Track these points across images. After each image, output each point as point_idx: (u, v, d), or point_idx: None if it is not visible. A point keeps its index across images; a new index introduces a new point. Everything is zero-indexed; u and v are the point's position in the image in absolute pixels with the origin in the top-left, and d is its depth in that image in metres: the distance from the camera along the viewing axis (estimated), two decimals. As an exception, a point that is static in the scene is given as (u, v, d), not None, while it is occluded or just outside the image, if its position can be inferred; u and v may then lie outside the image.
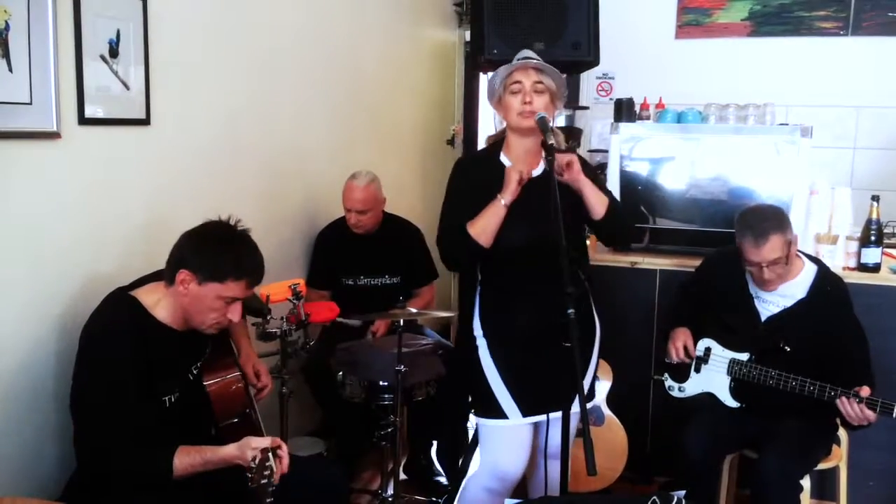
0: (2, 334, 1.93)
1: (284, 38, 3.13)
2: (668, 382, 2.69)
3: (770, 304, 2.49)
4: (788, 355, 2.42)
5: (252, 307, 2.35)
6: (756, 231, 2.36)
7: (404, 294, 3.21)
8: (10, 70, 1.86)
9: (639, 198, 3.15)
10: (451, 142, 5.07)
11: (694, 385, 2.63)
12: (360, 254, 3.30)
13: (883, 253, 2.94)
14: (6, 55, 1.85)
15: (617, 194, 3.09)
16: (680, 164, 3.15)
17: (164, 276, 1.96)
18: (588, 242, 2.41)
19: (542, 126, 2.11)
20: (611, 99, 4.42)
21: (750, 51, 4.43)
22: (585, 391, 2.31)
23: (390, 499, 2.76)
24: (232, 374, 2.18)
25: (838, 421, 2.44)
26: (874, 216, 2.87)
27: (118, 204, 2.27)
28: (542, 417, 2.25)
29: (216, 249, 1.93)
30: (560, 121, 3.79)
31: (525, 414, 2.26)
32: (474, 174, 2.33)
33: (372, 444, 2.73)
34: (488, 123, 4.55)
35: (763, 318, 2.50)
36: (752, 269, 2.42)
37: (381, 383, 2.60)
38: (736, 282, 2.52)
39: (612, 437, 2.93)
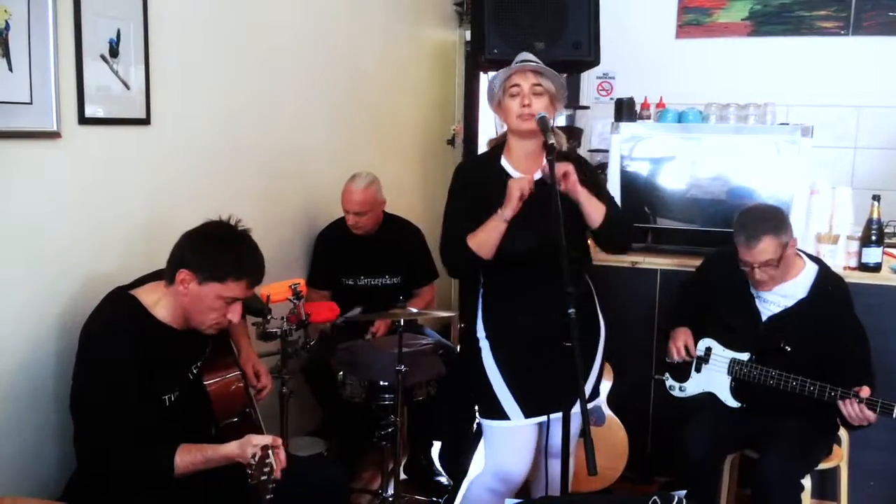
0: (2, 334, 1.93)
1: (284, 38, 3.13)
2: (669, 382, 2.69)
3: (771, 303, 2.49)
4: (789, 355, 2.42)
5: (252, 307, 2.35)
6: (749, 232, 2.36)
7: (405, 294, 3.21)
8: (11, 70, 1.86)
9: (639, 197, 3.15)
10: (451, 142, 5.06)
11: (694, 385, 2.63)
12: (360, 254, 3.30)
13: (884, 253, 2.94)
14: (6, 55, 1.85)
15: (617, 194, 3.10)
16: (680, 164, 3.15)
17: (165, 275, 1.96)
18: (590, 242, 2.41)
19: (543, 126, 2.11)
20: (611, 98, 4.42)
21: (750, 50, 4.43)
22: (589, 391, 2.33)
23: (391, 499, 2.76)
24: (232, 373, 2.18)
25: (839, 421, 2.44)
26: (875, 216, 2.87)
27: (118, 204, 2.26)
28: (545, 418, 2.25)
29: (217, 249, 1.93)
30: (560, 120, 3.78)
31: (527, 415, 2.26)
32: (474, 180, 2.33)
33: (372, 443, 2.73)
34: (489, 123, 4.54)
35: (764, 318, 2.50)
36: (746, 268, 2.42)
37: (381, 383, 2.60)
38: (737, 281, 2.52)
39: (613, 436, 2.93)
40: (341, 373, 2.68)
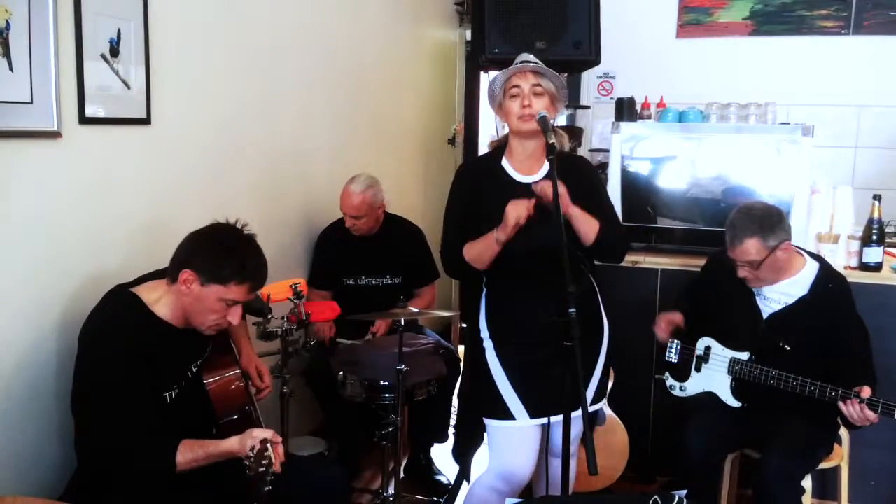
0: (3, 334, 1.93)
1: (284, 37, 3.13)
2: (669, 382, 2.69)
3: (771, 301, 2.48)
4: (788, 354, 2.41)
5: (253, 307, 2.36)
6: (735, 231, 2.39)
7: (405, 294, 3.21)
8: (11, 69, 1.86)
9: (640, 197, 3.15)
10: (452, 141, 5.06)
11: (695, 384, 2.63)
12: (361, 254, 3.30)
13: (884, 252, 2.94)
14: (7, 54, 1.85)
15: (618, 194, 3.11)
16: (681, 164, 3.15)
17: (168, 273, 1.97)
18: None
19: (544, 126, 2.11)
20: (612, 98, 4.41)
21: (751, 50, 4.42)
22: (594, 392, 2.33)
23: (391, 498, 2.76)
24: (232, 372, 2.18)
25: (840, 420, 2.44)
26: (875, 215, 2.87)
27: (118, 203, 2.27)
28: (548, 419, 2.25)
29: (221, 252, 1.93)
30: (561, 120, 3.78)
31: (532, 415, 2.26)
32: (475, 182, 2.34)
33: (372, 443, 2.73)
34: (489, 123, 4.54)
35: (765, 316, 2.50)
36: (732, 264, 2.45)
37: (381, 383, 2.60)
38: (739, 279, 2.52)
39: (614, 436, 2.93)
40: (341, 373, 2.68)
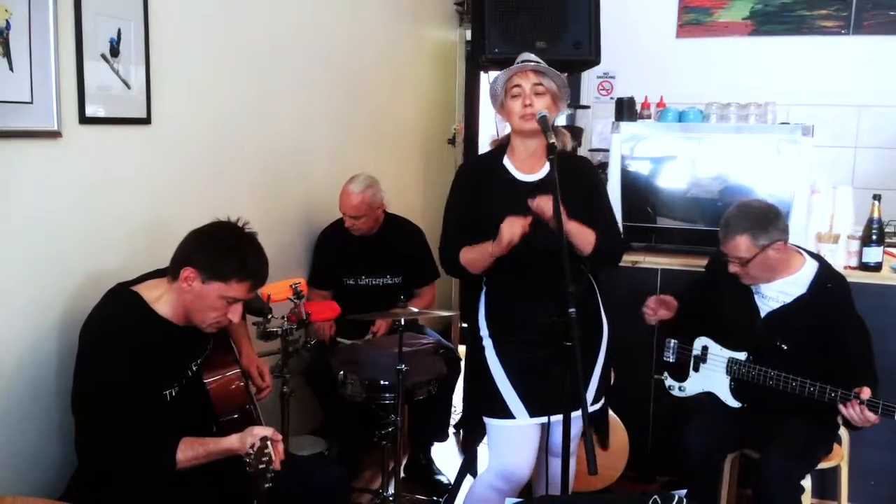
0: (3, 333, 1.93)
1: (284, 37, 3.13)
2: (668, 382, 2.69)
3: (770, 299, 2.48)
4: (786, 354, 2.41)
5: (253, 306, 2.36)
6: (727, 227, 2.40)
7: (406, 294, 3.21)
8: (11, 69, 1.86)
9: (640, 197, 3.15)
10: (451, 141, 5.06)
11: (694, 384, 2.63)
12: (361, 254, 3.30)
13: (884, 252, 2.94)
14: (7, 54, 1.85)
15: (618, 194, 3.11)
16: (681, 164, 3.15)
17: (168, 271, 1.97)
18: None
19: (543, 125, 2.11)
20: (612, 98, 4.41)
21: (751, 50, 4.42)
22: (593, 392, 2.33)
23: (391, 498, 2.76)
24: (232, 371, 2.19)
25: (840, 420, 2.44)
26: (875, 215, 2.87)
27: (118, 203, 2.27)
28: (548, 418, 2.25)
29: (223, 250, 1.94)
30: (561, 120, 3.78)
31: (532, 415, 2.26)
32: (475, 182, 2.34)
33: (372, 443, 2.73)
34: (489, 123, 4.55)
35: (762, 315, 2.50)
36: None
37: (381, 382, 2.60)
38: (739, 277, 2.52)
39: (613, 436, 2.93)
40: (342, 372, 2.68)
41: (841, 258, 2.93)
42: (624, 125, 3.18)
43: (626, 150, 3.16)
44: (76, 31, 2.05)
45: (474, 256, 2.24)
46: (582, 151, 4.09)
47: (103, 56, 2.15)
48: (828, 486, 2.89)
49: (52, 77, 1.97)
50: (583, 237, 2.19)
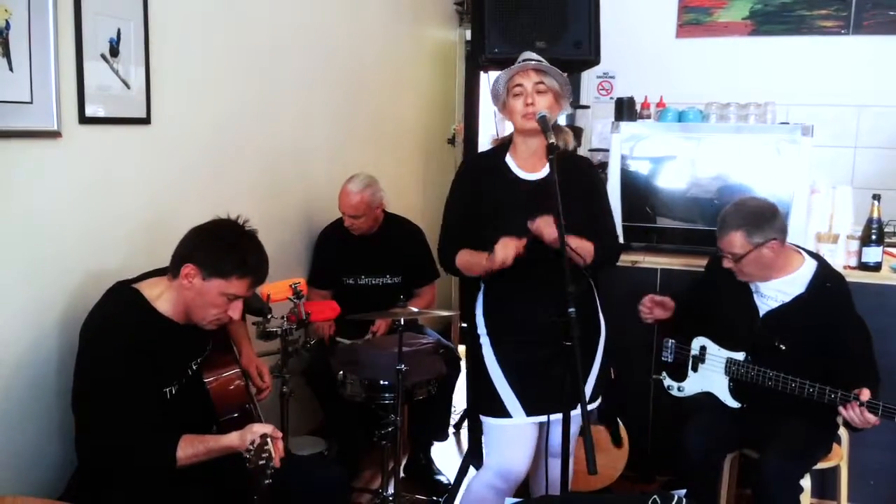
0: (3, 333, 1.93)
1: (284, 37, 3.13)
2: (667, 382, 2.69)
3: (769, 298, 2.48)
4: (784, 354, 2.41)
5: (253, 306, 2.36)
6: (724, 222, 2.42)
7: (405, 294, 3.21)
8: (11, 69, 1.86)
9: (640, 197, 3.15)
10: (451, 141, 5.06)
11: (692, 384, 2.63)
12: (361, 253, 3.30)
13: (884, 252, 2.94)
14: (7, 54, 1.85)
15: (617, 194, 3.11)
16: (681, 163, 3.15)
17: (169, 269, 1.98)
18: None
19: (543, 125, 2.12)
20: (611, 98, 4.41)
21: (751, 50, 4.42)
22: (590, 391, 2.33)
23: (391, 498, 2.76)
24: (232, 370, 2.19)
25: (839, 421, 2.44)
26: (875, 215, 2.87)
27: (118, 203, 2.27)
28: (546, 417, 2.25)
29: (223, 246, 1.95)
30: (561, 120, 3.79)
31: (529, 413, 2.27)
32: (475, 181, 2.35)
33: (372, 443, 2.73)
34: (489, 123, 4.55)
35: (761, 314, 2.50)
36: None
37: (381, 382, 2.60)
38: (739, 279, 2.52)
39: (602, 439, 2.93)
40: (341, 372, 2.68)
41: (840, 258, 2.93)
42: (624, 125, 3.18)
43: (626, 150, 3.17)
44: (76, 31, 2.05)
45: (470, 263, 2.27)
46: (582, 151, 4.08)
47: (103, 56, 2.16)
48: (827, 486, 2.90)
49: (52, 77, 1.97)
50: (582, 251, 2.21)
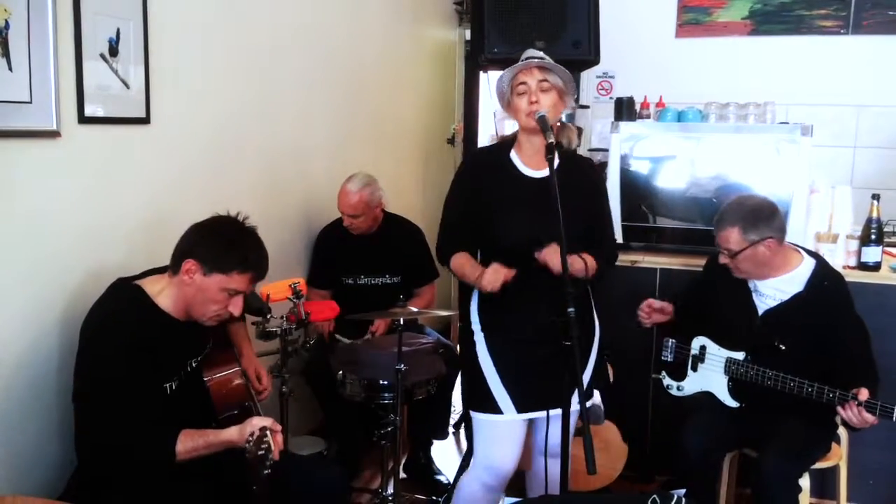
0: (4, 332, 1.93)
1: (284, 37, 3.13)
2: (667, 381, 2.69)
3: (767, 297, 2.48)
4: (784, 353, 2.41)
5: (252, 306, 2.36)
6: (722, 217, 2.43)
7: (405, 293, 3.21)
8: (10, 69, 1.86)
9: (639, 197, 3.16)
10: (451, 141, 5.07)
11: (692, 384, 2.63)
12: (360, 253, 3.30)
13: (883, 252, 2.94)
14: (6, 54, 1.85)
15: (617, 194, 3.11)
16: (680, 163, 3.15)
17: (169, 265, 1.98)
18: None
19: (543, 125, 2.12)
20: (611, 98, 4.41)
21: (750, 49, 4.42)
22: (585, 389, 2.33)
23: (390, 497, 2.76)
24: (232, 369, 2.20)
25: (838, 420, 2.44)
26: (874, 215, 2.87)
27: (118, 203, 2.27)
28: (537, 415, 2.26)
29: (224, 242, 1.96)
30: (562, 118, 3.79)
31: (520, 410, 2.27)
32: (476, 178, 2.35)
33: (372, 443, 2.73)
34: (488, 122, 4.55)
35: (760, 313, 2.50)
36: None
37: (381, 382, 2.60)
38: (739, 279, 2.52)
39: (612, 435, 2.93)
40: (341, 372, 2.68)
41: (840, 258, 2.93)
42: (623, 125, 3.19)
43: (626, 150, 3.17)
44: (75, 30, 2.05)
45: (462, 272, 2.30)
46: (581, 151, 4.08)
47: (102, 56, 2.16)
48: (827, 486, 2.90)
49: (52, 77, 1.97)
50: (589, 269, 2.23)
